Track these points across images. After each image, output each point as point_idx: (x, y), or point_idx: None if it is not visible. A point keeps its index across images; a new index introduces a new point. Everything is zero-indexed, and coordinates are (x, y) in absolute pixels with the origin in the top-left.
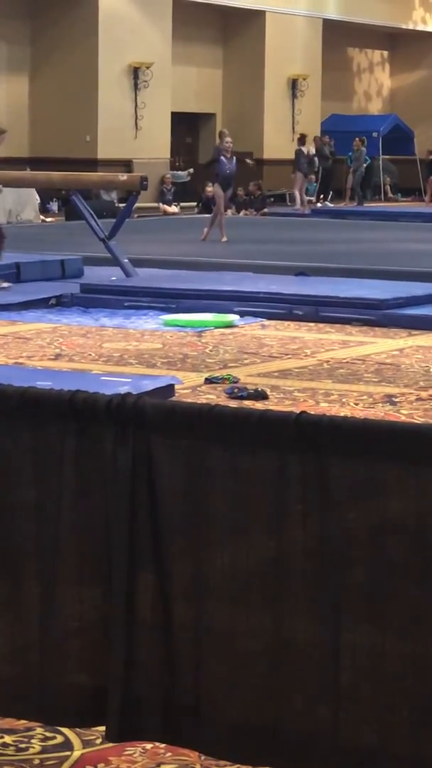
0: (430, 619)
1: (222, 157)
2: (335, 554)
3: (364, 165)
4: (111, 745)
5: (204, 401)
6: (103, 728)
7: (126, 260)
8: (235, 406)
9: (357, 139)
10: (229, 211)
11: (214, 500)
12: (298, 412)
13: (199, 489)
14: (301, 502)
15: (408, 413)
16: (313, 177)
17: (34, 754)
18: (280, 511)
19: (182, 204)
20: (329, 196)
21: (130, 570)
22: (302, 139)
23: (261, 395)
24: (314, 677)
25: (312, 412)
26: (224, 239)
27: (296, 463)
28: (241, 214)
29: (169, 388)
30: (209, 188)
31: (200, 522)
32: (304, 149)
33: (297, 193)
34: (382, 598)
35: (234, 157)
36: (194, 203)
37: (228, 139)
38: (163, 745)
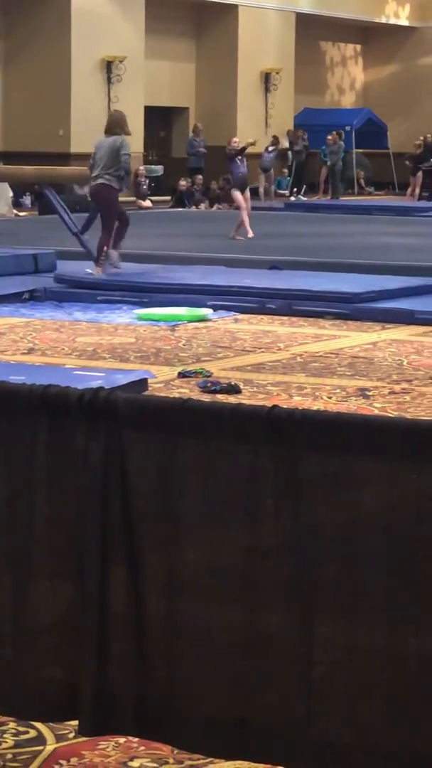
0: (404, 612)
1: (236, 160)
2: (308, 548)
3: (341, 159)
4: (84, 739)
5: (177, 395)
6: (76, 723)
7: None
8: (208, 400)
9: (334, 132)
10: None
11: (186, 495)
12: (270, 406)
13: (172, 483)
14: (274, 497)
15: (381, 406)
16: (286, 171)
17: (7, 748)
18: (253, 506)
19: (156, 198)
20: (303, 190)
21: (102, 565)
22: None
23: (234, 389)
24: (288, 671)
25: (285, 406)
26: (250, 235)
27: (269, 458)
28: (214, 208)
29: (143, 383)
30: (183, 182)
31: (173, 517)
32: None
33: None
34: (355, 592)
35: (244, 160)
36: (168, 197)
37: (235, 139)
38: (136, 739)
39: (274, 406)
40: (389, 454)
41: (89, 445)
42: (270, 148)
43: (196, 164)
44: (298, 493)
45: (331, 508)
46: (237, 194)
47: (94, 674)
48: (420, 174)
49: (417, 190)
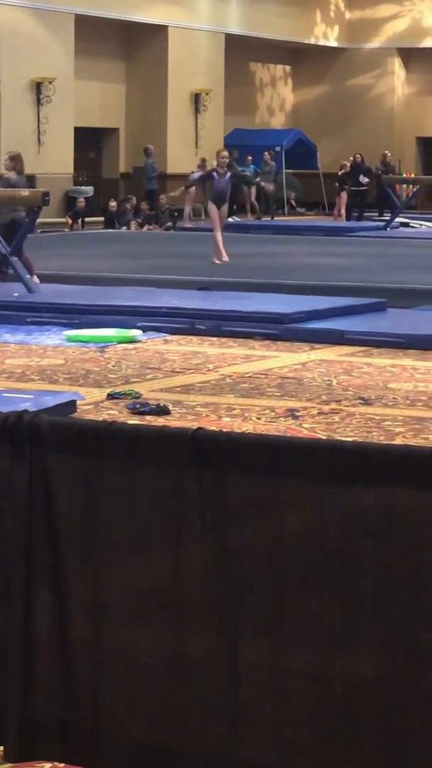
0: (328, 634)
1: (214, 173)
2: (234, 570)
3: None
4: (9, 765)
5: (106, 417)
6: (1, 748)
7: (28, 276)
8: (135, 422)
9: (266, 153)
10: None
11: (112, 518)
12: (195, 428)
13: (97, 506)
14: (199, 519)
15: (310, 427)
16: None
17: None
18: (178, 528)
19: (88, 219)
20: (233, 211)
21: (27, 588)
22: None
23: (163, 410)
24: (214, 694)
25: (211, 428)
26: (225, 258)
27: (194, 480)
28: (145, 228)
29: (71, 404)
30: (113, 203)
31: (98, 539)
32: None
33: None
34: (280, 614)
35: (228, 173)
36: (100, 218)
37: (224, 153)
38: (62, 765)
39: (199, 429)
40: (314, 475)
41: (13, 468)
42: (195, 171)
43: (153, 186)
44: (224, 514)
45: (256, 530)
46: (212, 208)
47: (20, 699)
48: (344, 194)
49: (342, 210)
